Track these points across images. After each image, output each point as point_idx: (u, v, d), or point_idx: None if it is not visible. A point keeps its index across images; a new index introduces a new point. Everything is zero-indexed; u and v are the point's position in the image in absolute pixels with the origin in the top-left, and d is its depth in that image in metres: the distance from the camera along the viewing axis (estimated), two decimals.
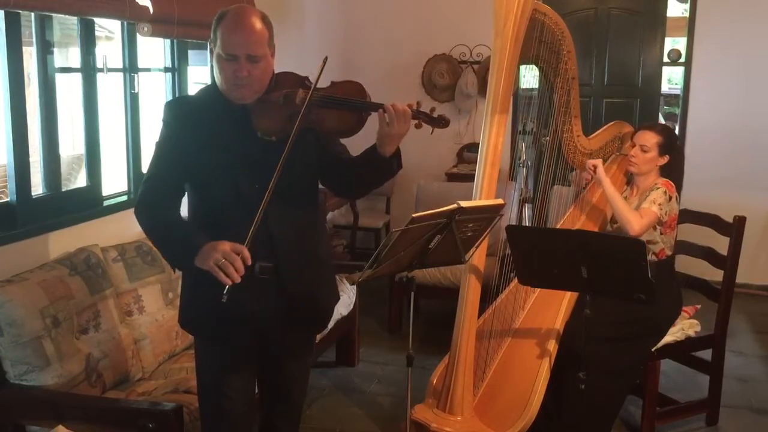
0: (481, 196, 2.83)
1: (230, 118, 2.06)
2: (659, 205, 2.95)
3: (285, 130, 1.98)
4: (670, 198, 2.98)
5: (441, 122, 2.04)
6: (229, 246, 1.87)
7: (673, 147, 3.12)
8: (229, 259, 1.85)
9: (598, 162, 3.13)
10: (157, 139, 2.12)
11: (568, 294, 3.06)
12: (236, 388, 2.21)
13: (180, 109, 2.13)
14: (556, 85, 3.03)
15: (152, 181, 2.08)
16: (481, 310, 3.05)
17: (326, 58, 1.97)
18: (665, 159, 3.08)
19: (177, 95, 3.82)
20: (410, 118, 1.99)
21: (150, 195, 2.07)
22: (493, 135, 2.84)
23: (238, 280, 1.85)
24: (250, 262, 1.88)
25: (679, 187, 3.12)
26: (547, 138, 3.22)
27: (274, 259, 2.06)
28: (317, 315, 2.29)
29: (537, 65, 3.05)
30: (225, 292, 1.85)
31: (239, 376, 2.21)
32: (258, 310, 2.09)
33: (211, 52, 2.07)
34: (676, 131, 5.67)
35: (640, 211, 2.97)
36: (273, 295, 2.10)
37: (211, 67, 2.71)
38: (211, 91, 2.14)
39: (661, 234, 2.99)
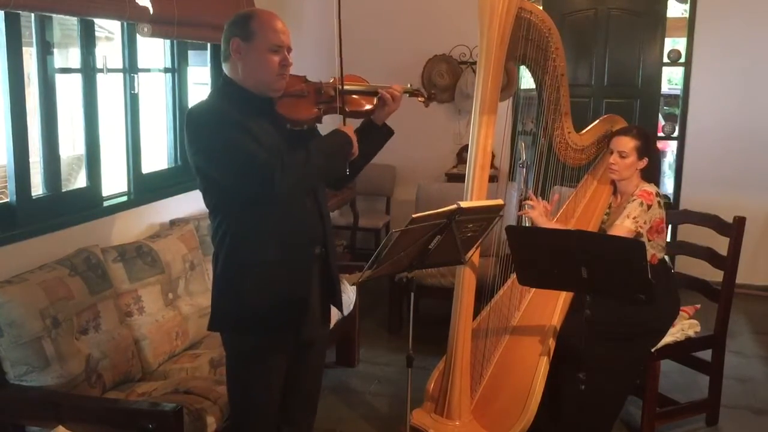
0: (471, 198, 2.82)
1: (263, 112, 2.14)
2: (633, 218, 2.93)
3: (318, 117, 2.21)
4: (649, 206, 2.96)
5: (433, 96, 2.46)
6: (344, 127, 2.19)
7: (650, 149, 3.11)
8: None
9: (534, 214, 3.09)
10: (215, 141, 2.04)
11: (563, 294, 3.06)
12: (275, 384, 2.27)
13: (221, 111, 2.10)
14: (545, 83, 3.02)
15: (254, 148, 2.00)
16: (477, 310, 3.05)
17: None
18: (644, 162, 3.07)
19: (177, 96, 3.82)
20: (401, 96, 2.31)
21: (270, 158, 2.00)
22: (482, 137, 2.83)
23: None
24: None
25: (657, 185, 3.11)
26: (542, 139, 3.21)
27: (324, 242, 2.24)
28: (340, 299, 2.42)
29: (525, 64, 3.04)
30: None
31: (278, 370, 2.27)
32: (311, 295, 2.22)
33: (236, 50, 2.10)
34: (676, 131, 5.68)
35: (611, 229, 2.97)
36: (319, 278, 2.25)
37: (212, 66, 2.75)
38: (228, 92, 2.16)
39: (649, 241, 2.98)
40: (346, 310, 3.75)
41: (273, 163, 1.99)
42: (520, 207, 3.37)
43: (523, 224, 3.32)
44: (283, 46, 2.12)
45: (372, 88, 2.31)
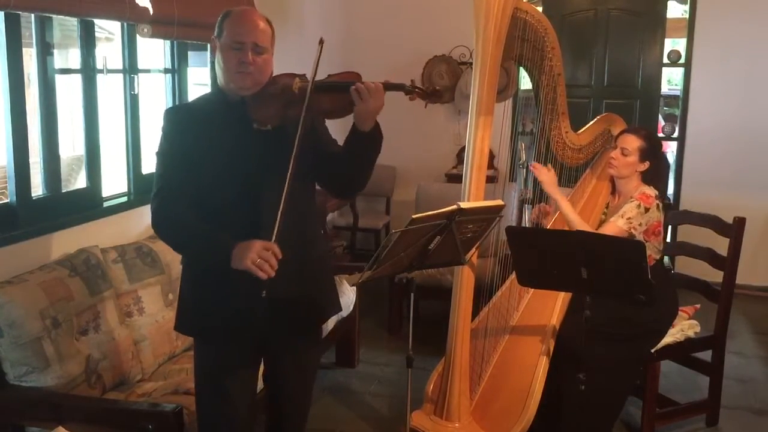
0: (469, 199, 2.82)
1: (231, 115, 2.10)
2: (628, 219, 2.93)
3: (282, 117, 2.06)
4: (647, 209, 2.96)
5: (434, 95, 2.17)
6: (260, 244, 1.94)
7: (654, 154, 3.09)
8: (264, 257, 1.92)
9: (543, 176, 3.12)
10: (157, 150, 2.13)
11: (562, 294, 3.06)
12: (235, 392, 2.20)
13: (177, 114, 2.18)
14: (542, 83, 3.01)
15: (163, 192, 2.08)
16: (476, 311, 3.04)
17: (322, 40, 2.06)
18: (645, 165, 3.06)
19: (177, 97, 3.82)
20: (383, 93, 2.05)
21: (165, 207, 2.08)
22: (478, 138, 2.82)
23: (273, 274, 1.92)
24: (280, 256, 1.94)
25: (663, 194, 3.10)
26: (540, 139, 3.21)
27: None
28: (306, 316, 2.25)
29: (521, 64, 3.03)
30: (263, 288, 1.94)
31: (239, 378, 2.21)
32: (255, 307, 2.08)
33: (213, 49, 2.14)
34: (676, 132, 5.68)
35: (604, 226, 2.98)
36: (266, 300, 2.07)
37: (212, 67, 2.76)
38: (211, 94, 2.21)
39: (646, 241, 2.97)
40: (346, 311, 3.75)
41: (158, 211, 2.08)
42: (521, 205, 3.38)
43: (523, 224, 3.32)
44: (244, 42, 2.05)
45: (344, 84, 2.07)
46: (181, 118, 2.15)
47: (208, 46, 4.02)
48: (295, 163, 1.97)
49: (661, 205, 3.02)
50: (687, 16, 5.53)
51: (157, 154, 2.13)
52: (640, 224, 2.95)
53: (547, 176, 3.12)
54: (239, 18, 2.10)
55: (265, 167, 2.08)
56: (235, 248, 1.95)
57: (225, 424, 2.21)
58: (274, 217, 1.96)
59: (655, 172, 3.10)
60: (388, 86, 2.08)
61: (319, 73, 2.13)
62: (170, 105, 3.82)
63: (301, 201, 2.15)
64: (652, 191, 3.02)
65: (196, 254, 2.12)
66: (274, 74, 2.15)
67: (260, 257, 1.92)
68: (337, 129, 2.27)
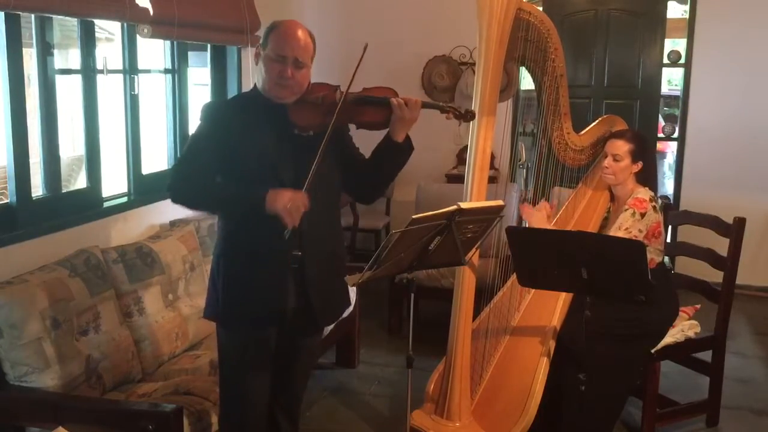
0: (470, 199, 2.82)
1: (270, 115, 2.22)
2: (625, 229, 2.93)
3: (322, 125, 2.19)
4: (643, 214, 2.95)
5: (468, 116, 2.34)
6: (291, 192, 2.08)
7: (645, 153, 3.10)
8: (295, 205, 2.07)
9: (531, 218, 3.14)
10: (193, 132, 2.27)
11: (563, 294, 3.06)
12: (259, 382, 2.33)
13: (218, 110, 2.32)
14: (544, 84, 3.02)
15: (185, 164, 2.24)
16: (477, 311, 3.05)
17: (366, 45, 2.19)
18: (639, 166, 3.06)
19: (177, 97, 3.82)
20: (419, 107, 2.25)
21: (186, 174, 2.20)
22: (481, 139, 2.83)
23: (297, 224, 2.08)
24: (308, 208, 2.09)
25: (655, 190, 3.10)
26: (542, 139, 3.21)
27: (301, 249, 2.22)
28: (331, 308, 2.43)
29: (524, 65, 3.03)
30: (286, 232, 2.08)
31: (262, 367, 2.33)
32: (284, 298, 2.24)
33: (258, 56, 2.25)
34: (676, 132, 5.68)
35: None
36: (295, 284, 2.25)
37: (211, 68, 2.76)
38: (251, 95, 2.31)
39: (647, 246, 2.97)
40: (346, 312, 3.73)
41: (178, 177, 2.22)
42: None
43: (524, 224, 3.32)
44: (286, 57, 2.17)
45: (383, 98, 2.25)
46: (223, 113, 2.26)
47: (209, 46, 4.03)
48: (323, 149, 2.10)
49: (658, 206, 3.02)
50: (687, 16, 5.53)
51: (193, 136, 2.27)
52: (639, 230, 2.94)
53: (534, 218, 3.12)
54: (284, 32, 2.20)
55: (299, 169, 2.18)
56: (269, 193, 2.08)
57: (251, 411, 2.33)
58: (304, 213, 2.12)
59: (649, 170, 3.10)
60: (425, 104, 2.27)
61: (322, 76, 2.17)
62: (171, 105, 3.83)
63: (330, 200, 2.33)
64: (646, 194, 3.02)
65: (229, 204, 2.21)
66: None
67: (291, 204, 2.06)
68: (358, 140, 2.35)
